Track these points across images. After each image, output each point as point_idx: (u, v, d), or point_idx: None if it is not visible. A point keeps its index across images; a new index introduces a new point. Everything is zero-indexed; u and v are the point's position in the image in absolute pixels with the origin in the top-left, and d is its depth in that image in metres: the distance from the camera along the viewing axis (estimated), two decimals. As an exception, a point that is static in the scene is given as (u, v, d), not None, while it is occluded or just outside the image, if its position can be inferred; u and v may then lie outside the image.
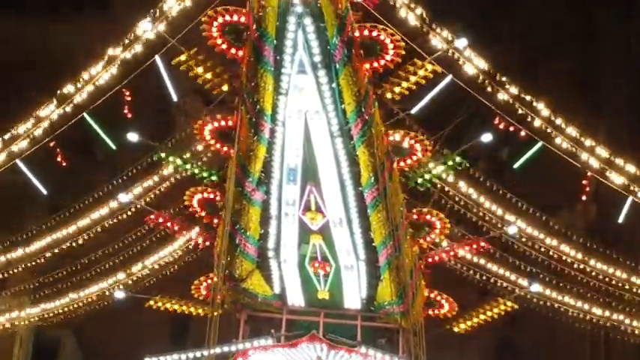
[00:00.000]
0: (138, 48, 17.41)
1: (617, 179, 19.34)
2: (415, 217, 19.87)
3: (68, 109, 18.39)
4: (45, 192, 20.09)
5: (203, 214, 20.02)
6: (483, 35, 18.35)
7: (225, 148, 18.74)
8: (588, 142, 18.92)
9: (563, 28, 30.41)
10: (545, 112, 18.06)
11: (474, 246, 20.34)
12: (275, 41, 16.57)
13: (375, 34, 16.88)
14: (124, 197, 20.44)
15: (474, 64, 17.27)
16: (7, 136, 19.22)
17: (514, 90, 17.63)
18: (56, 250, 21.88)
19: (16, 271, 22.79)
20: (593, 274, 21.73)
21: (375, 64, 17.18)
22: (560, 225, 21.22)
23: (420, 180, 18.97)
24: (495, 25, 28.39)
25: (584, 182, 19.40)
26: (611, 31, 30.64)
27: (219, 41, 17.05)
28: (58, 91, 18.39)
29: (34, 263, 22.36)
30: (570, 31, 30.69)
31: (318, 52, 16.65)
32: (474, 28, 17.99)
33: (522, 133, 18.13)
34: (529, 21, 30.08)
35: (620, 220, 19.95)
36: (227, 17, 16.82)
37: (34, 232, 22.15)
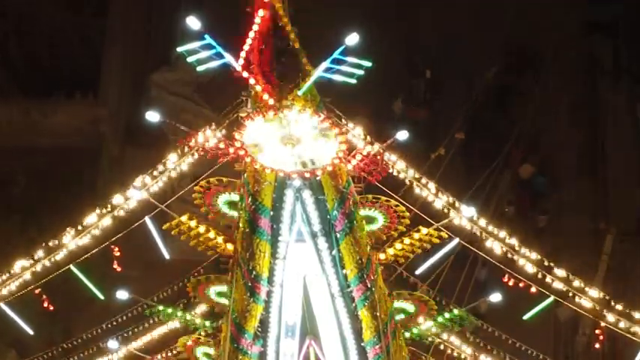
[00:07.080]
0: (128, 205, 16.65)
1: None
2: (420, 367, 19.05)
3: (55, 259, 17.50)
4: (31, 332, 19.58)
5: (197, 360, 19.15)
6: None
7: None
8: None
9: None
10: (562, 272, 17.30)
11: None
12: (272, 212, 15.72)
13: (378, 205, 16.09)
14: (113, 344, 19.65)
15: (479, 225, 16.49)
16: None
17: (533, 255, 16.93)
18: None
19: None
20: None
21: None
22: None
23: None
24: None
25: (597, 332, 18.82)
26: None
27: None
28: (44, 243, 17.55)
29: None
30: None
31: (317, 222, 15.81)
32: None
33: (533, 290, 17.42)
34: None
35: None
36: (220, 189, 16.09)
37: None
